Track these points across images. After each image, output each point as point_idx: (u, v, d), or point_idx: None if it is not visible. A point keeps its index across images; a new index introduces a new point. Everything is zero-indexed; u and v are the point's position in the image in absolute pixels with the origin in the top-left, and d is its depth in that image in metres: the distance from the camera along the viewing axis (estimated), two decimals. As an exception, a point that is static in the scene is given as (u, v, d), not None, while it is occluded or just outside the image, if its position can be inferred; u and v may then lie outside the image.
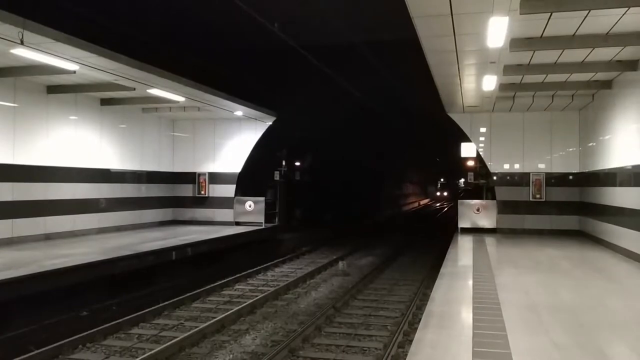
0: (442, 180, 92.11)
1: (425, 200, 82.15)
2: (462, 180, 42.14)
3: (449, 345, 5.44)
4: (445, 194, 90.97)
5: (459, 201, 18.24)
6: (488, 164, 17.74)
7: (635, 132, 11.09)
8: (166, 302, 11.25)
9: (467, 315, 6.63)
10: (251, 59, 19.39)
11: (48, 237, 13.86)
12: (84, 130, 15.29)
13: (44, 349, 8.15)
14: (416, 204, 69.49)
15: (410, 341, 5.85)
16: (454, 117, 17.74)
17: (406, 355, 5.32)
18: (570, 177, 16.85)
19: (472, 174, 20.45)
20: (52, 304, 10.08)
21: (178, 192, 19.76)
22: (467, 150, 18.43)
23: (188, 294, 12.01)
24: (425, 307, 7.24)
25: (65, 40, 9.60)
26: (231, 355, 8.40)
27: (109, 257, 11.43)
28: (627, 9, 7.94)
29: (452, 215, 28.56)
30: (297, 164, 25.78)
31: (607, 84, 12.84)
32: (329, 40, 16.42)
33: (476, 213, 17.48)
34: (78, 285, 10.47)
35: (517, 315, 6.62)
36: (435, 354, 5.18)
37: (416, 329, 6.31)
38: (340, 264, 16.00)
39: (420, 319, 6.75)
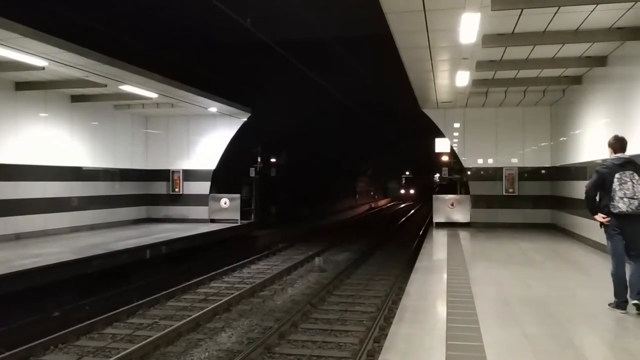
0: (407, 174, 73.13)
1: (383, 202, 62.89)
2: (438, 175, 40.97)
3: (423, 339, 5.48)
4: (411, 191, 71.11)
5: (434, 196, 18.39)
6: (462, 159, 17.93)
7: (603, 127, 11.31)
8: (141, 301, 11.12)
9: (441, 309, 6.69)
10: (225, 55, 19.23)
11: (18, 237, 13.58)
12: (55, 128, 15.01)
13: (14, 350, 7.98)
14: (367, 206, 51.47)
15: (387, 335, 5.88)
16: (428, 112, 17.88)
17: (382, 349, 5.35)
18: (543, 171, 17.13)
19: (446, 169, 20.65)
20: (23, 305, 9.89)
21: (152, 189, 19.53)
22: (441, 145, 18.60)
23: (163, 293, 11.88)
24: (400, 302, 7.28)
25: (32, 35, 9.40)
26: (207, 353, 8.34)
27: (81, 256, 11.27)
28: (595, 5, 8.09)
29: (416, 232, 25.31)
30: (273, 160, 25.67)
31: (577, 80, 13.07)
32: (303, 35, 16.39)
33: (450, 208, 17.66)
34: (50, 285, 10.30)
35: (490, 308, 6.71)
36: (409, 348, 5.21)
37: (392, 323, 6.34)
38: (317, 260, 16.01)
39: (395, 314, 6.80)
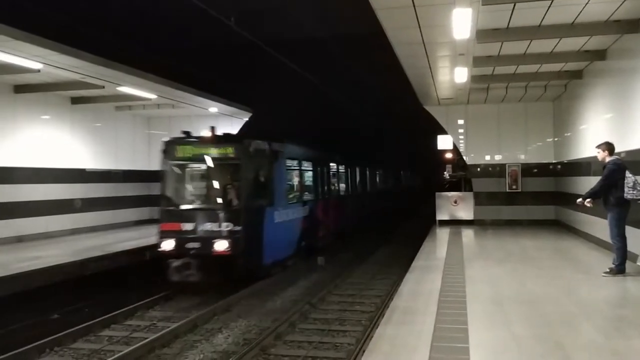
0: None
1: None
2: (447, 172, 37.80)
3: (408, 341, 5.39)
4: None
5: (437, 194, 18.21)
6: (470, 155, 17.71)
7: (605, 122, 11.14)
8: (139, 303, 11.08)
9: (431, 309, 6.58)
10: (223, 56, 19.18)
11: (20, 240, 13.65)
12: (55, 130, 15.07)
13: (8, 354, 7.97)
14: None
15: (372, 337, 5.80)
16: (430, 109, 17.72)
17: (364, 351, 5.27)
18: (546, 167, 16.91)
19: (450, 166, 20.50)
20: (21, 307, 9.90)
21: (155, 190, 19.47)
22: (444, 142, 18.45)
23: (162, 294, 11.84)
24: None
25: (24, 38, 9.42)
26: (202, 355, 8.29)
27: (80, 258, 11.28)
28: (589, -2, 7.94)
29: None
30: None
31: (578, 74, 12.87)
32: (302, 34, 16.31)
33: (454, 205, 17.50)
34: (48, 287, 10.31)
35: (480, 309, 6.59)
36: (392, 350, 5.12)
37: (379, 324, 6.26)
38: (319, 259, 15.92)
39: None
